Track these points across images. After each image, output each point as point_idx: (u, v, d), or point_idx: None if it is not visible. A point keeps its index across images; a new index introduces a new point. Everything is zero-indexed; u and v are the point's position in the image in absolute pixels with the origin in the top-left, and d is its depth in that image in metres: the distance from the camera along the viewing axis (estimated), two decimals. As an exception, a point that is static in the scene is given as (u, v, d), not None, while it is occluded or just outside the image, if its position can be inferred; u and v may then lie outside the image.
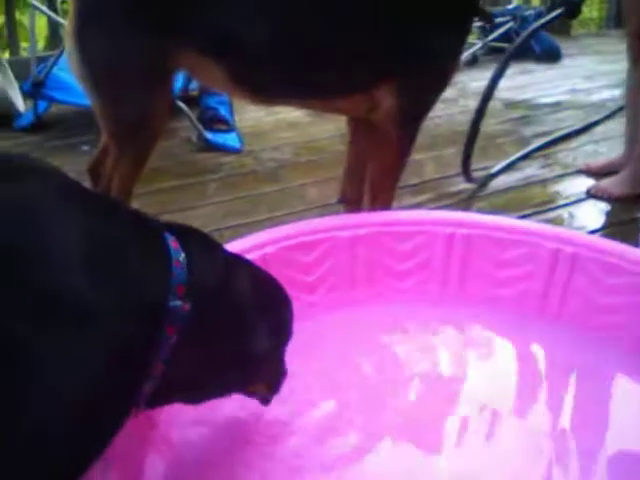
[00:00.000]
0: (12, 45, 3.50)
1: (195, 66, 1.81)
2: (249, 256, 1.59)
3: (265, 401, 1.35)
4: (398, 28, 1.72)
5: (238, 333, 1.12)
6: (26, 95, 3.29)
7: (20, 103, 3.35)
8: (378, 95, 1.79)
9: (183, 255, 1.04)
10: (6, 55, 3.67)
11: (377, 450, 1.37)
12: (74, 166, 2.11)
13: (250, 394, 1.30)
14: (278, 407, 1.38)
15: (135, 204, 2.43)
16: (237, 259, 1.21)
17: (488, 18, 2.45)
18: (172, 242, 1.04)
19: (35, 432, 0.84)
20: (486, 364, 1.64)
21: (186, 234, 1.10)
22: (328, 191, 2.45)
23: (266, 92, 1.83)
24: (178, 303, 0.99)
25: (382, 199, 1.92)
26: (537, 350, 1.68)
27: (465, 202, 2.54)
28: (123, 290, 0.93)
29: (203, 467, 1.33)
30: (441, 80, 1.85)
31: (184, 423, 1.37)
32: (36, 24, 3.22)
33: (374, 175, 1.92)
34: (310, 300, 1.72)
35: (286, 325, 1.28)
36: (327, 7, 1.71)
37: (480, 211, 2.37)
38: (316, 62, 1.74)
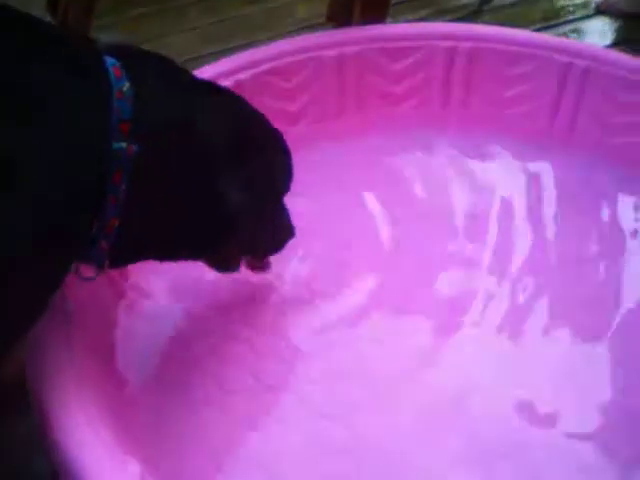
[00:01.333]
0: None
1: None
2: (221, 83, 1.41)
3: (256, 268, 1.19)
4: None
5: (202, 182, 0.94)
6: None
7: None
8: None
9: (127, 85, 0.84)
10: None
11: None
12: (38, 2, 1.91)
13: (228, 262, 1.13)
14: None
15: (105, 35, 2.22)
16: (210, 89, 1.01)
17: None
18: (114, 69, 0.85)
19: None
20: (498, 189, 1.49)
21: (135, 59, 0.90)
22: (318, 9, 2.19)
23: None
24: (122, 144, 0.82)
25: (374, 12, 1.68)
26: (547, 171, 1.52)
27: (468, 17, 2.31)
28: (48, 131, 0.76)
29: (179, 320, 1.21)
30: None
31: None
32: None
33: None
34: (293, 132, 1.52)
35: (280, 173, 1.09)
36: None
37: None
38: None
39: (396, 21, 2.17)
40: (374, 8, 1.67)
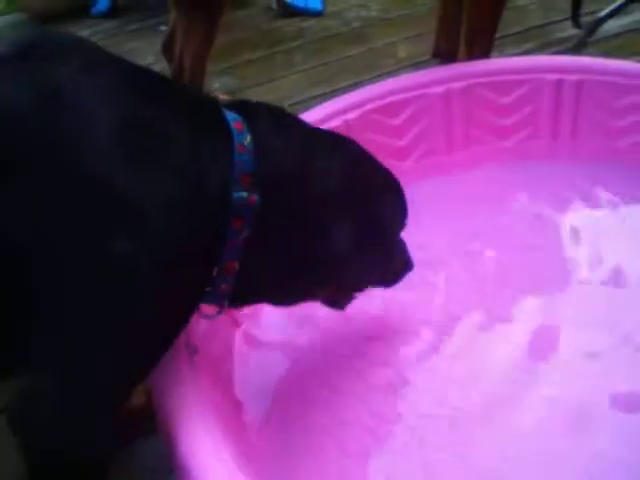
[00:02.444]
0: None
1: None
2: (330, 124, 1.46)
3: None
4: None
5: (319, 227, 0.97)
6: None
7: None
8: None
9: (249, 138, 0.90)
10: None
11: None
12: (154, 47, 2.02)
13: (341, 298, 1.16)
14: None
15: (217, 80, 2.33)
16: (322, 135, 1.05)
17: None
18: (235, 124, 0.90)
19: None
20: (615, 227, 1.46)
21: (254, 112, 0.95)
22: (421, 47, 2.23)
23: None
24: (244, 194, 0.87)
25: (480, 48, 1.70)
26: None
27: (573, 49, 2.28)
28: (174, 182, 0.81)
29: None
30: None
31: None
32: None
33: (470, 21, 1.69)
34: (401, 168, 1.55)
35: (394, 212, 1.11)
36: None
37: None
38: None
39: (501, 55, 2.19)
40: (479, 43, 1.69)
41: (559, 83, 1.56)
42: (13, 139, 0.74)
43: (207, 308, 0.97)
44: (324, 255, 0.99)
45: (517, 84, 1.57)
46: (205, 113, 0.91)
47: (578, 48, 2.28)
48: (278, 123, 0.98)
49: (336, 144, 1.04)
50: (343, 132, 1.46)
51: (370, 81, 2.14)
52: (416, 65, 2.20)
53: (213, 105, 0.93)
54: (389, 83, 1.59)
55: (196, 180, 0.84)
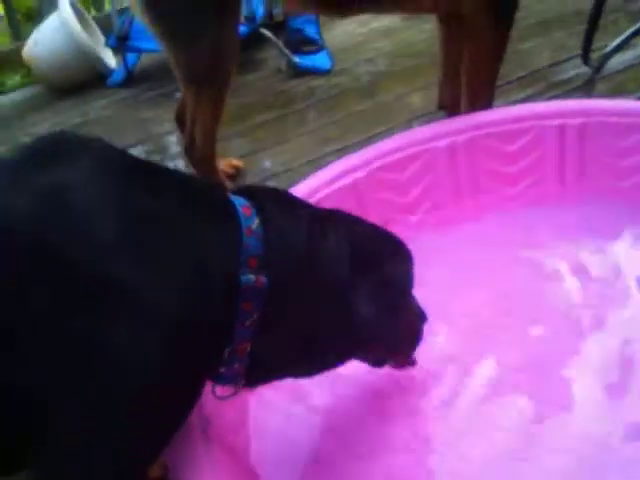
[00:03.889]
0: (96, 1, 3.46)
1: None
2: (337, 184, 1.49)
3: (405, 364, 1.22)
4: None
5: (330, 304, 0.99)
6: (113, 50, 3.25)
7: (110, 59, 3.32)
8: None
9: (257, 222, 0.93)
10: (92, 12, 3.64)
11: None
12: (170, 114, 2.07)
13: (377, 363, 1.19)
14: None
15: (230, 144, 2.38)
16: (329, 214, 1.07)
17: None
18: (243, 208, 0.94)
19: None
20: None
21: (261, 196, 0.99)
22: (430, 98, 2.25)
23: (336, 3, 1.68)
24: (251, 278, 0.90)
25: (481, 98, 1.73)
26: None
27: (583, 88, 2.29)
28: (181, 270, 0.85)
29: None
30: None
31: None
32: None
33: (469, 73, 1.73)
34: (411, 222, 1.58)
35: (404, 275, 1.13)
36: None
37: (596, 96, 2.12)
38: None
39: (507, 101, 2.21)
40: (480, 94, 1.72)
41: (561, 128, 1.58)
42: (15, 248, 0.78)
43: (222, 389, 0.99)
44: (336, 329, 1.01)
45: (520, 133, 1.59)
46: (212, 200, 0.94)
47: (588, 87, 2.29)
48: (284, 205, 1.00)
49: (340, 221, 1.06)
50: (351, 191, 1.52)
51: (381, 135, 2.18)
52: (425, 116, 2.22)
53: (220, 192, 0.97)
54: (393, 140, 1.62)
55: (202, 268, 0.86)
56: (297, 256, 0.95)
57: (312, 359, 1.03)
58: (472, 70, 1.73)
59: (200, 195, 0.94)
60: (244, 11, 2.57)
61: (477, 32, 1.68)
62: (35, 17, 3.50)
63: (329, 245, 1.00)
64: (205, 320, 0.87)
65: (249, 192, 0.99)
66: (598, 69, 2.36)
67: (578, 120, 1.58)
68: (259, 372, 0.98)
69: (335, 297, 0.99)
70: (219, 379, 0.96)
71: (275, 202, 0.99)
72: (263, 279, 0.91)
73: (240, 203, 0.94)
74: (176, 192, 0.90)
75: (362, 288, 1.02)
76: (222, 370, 0.94)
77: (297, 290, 0.96)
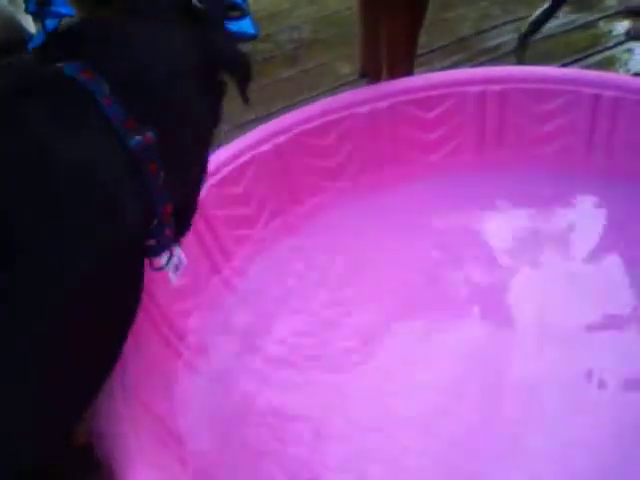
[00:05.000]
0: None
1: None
2: (259, 149, 1.49)
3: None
4: None
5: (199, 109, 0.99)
6: (33, 15, 3.15)
7: (31, 26, 3.21)
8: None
9: (107, 87, 0.84)
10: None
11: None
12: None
13: None
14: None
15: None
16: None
17: None
18: (84, 74, 0.84)
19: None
20: (543, 229, 1.52)
21: (96, 48, 0.89)
22: (355, 67, 2.26)
23: None
24: (138, 138, 0.84)
25: (401, 67, 1.73)
26: (590, 207, 1.54)
27: (505, 56, 2.33)
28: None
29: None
30: None
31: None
32: None
33: (388, 43, 1.73)
34: (334, 187, 1.60)
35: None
36: None
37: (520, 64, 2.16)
38: None
39: (431, 68, 2.23)
40: (400, 63, 1.72)
41: (482, 94, 1.61)
42: None
43: (157, 260, 0.97)
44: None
45: (439, 99, 1.61)
46: (50, 88, 0.84)
47: (518, 55, 2.28)
48: (113, 42, 0.92)
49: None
50: (274, 155, 1.52)
51: (304, 102, 2.17)
52: (350, 84, 2.19)
53: (51, 71, 0.86)
54: (316, 106, 1.62)
55: (89, 167, 0.80)
56: (157, 88, 0.91)
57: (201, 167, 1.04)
58: (390, 38, 1.73)
59: (38, 87, 0.84)
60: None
61: (394, 3, 1.68)
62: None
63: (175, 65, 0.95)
64: (115, 195, 0.82)
65: (75, 37, 0.91)
66: (525, 36, 2.39)
67: (498, 86, 1.61)
68: (182, 221, 0.97)
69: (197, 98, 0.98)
70: (153, 253, 0.93)
71: (104, 42, 0.91)
72: (149, 133, 0.86)
73: (77, 69, 0.85)
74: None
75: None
76: (153, 243, 0.91)
77: (174, 122, 0.93)
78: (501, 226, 1.53)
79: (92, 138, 0.82)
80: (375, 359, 1.29)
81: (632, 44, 2.34)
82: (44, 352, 0.73)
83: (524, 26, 2.36)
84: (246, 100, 1.17)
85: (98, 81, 0.85)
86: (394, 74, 1.70)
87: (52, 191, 0.76)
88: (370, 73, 1.92)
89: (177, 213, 0.93)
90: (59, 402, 0.79)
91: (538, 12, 2.50)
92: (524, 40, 2.29)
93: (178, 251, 1.25)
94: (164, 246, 0.93)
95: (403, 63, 1.72)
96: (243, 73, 1.14)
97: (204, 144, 1.04)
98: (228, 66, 1.09)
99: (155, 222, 0.89)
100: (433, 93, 1.61)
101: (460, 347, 1.28)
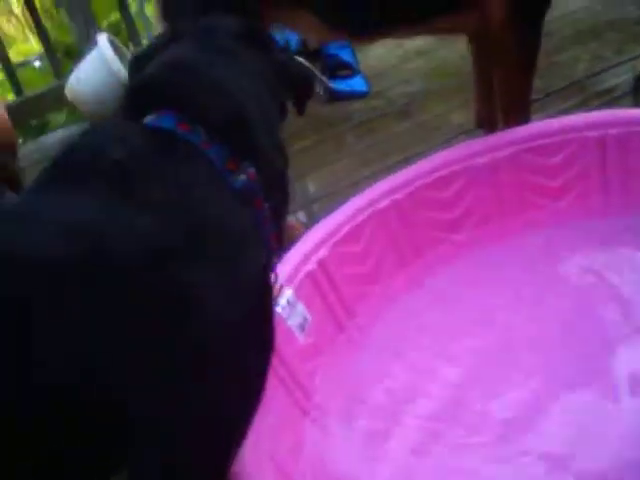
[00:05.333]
0: (133, 36, 3.51)
1: (289, 19, 1.71)
2: (379, 205, 1.50)
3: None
4: None
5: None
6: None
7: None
8: (486, 5, 1.59)
9: (202, 134, 0.87)
10: (130, 47, 3.69)
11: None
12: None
13: None
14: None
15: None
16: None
17: None
18: (181, 126, 0.88)
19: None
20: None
21: (173, 84, 0.94)
22: (469, 116, 2.24)
23: (363, 30, 1.69)
24: (242, 177, 0.88)
25: (516, 115, 1.72)
26: None
27: (619, 99, 2.27)
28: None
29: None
30: None
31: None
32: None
33: (502, 91, 1.73)
34: (455, 238, 1.58)
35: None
36: None
37: (637, 106, 2.10)
38: None
39: (547, 114, 2.19)
40: (515, 110, 1.71)
41: (602, 139, 1.57)
42: None
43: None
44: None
45: (560, 145, 1.58)
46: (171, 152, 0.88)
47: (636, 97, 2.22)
48: (196, 84, 0.95)
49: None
50: (393, 211, 1.53)
51: (420, 155, 2.18)
52: (466, 134, 2.20)
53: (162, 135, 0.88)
54: (433, 159, 1.62)
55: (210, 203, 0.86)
56: (249, 124, 0.94)
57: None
58: (504, 87, 1.73)
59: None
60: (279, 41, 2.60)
61: (505, 50, 1.67)
62: (74, 54, 3.58)
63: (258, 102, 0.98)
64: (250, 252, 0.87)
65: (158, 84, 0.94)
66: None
67: (617, 130, 1.56)
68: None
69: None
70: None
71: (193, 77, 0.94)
72: (250, 169, 0.89)
73: (172, 122, 0.88)
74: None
75: None
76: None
77: (266, 152, 0.96)
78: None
79: (209, 191, 0.86)
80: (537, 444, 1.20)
81: None
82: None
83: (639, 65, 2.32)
84: (301, 112, 1.24)
85: (196, 130, 0.88)
86: (510, 122, 1.69)
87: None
88: (486, 123, 1.92)
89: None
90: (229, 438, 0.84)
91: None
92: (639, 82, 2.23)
93: (303, 309, 1.28)
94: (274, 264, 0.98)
95: (519, 111, 1.71)
96: (306, 87, 1.22)
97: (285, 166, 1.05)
98: (295, 81, 1.13)
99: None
100: (553, 140, 1.58)
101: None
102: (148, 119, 0.90)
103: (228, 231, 0.85)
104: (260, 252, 0.89)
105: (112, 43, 3.12)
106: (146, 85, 0.95)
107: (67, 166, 0.84)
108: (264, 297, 0.89)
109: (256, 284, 0.87)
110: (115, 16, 3.74)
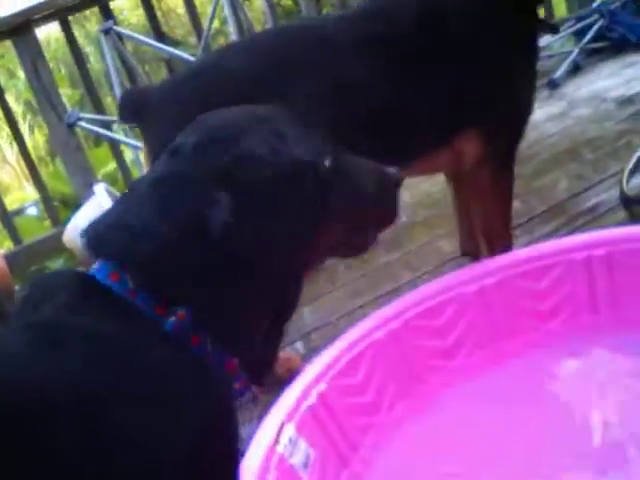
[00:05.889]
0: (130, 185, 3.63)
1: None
2: (374, 336, 1.53)
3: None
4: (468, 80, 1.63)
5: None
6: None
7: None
8: (460, 146, 1.70)
9: (129, 283, 0.93)
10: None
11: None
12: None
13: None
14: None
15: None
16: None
17: (553, 30, 2.29)
18: (111, 276, 0.93)
19: None
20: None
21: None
22: (456, 244, 2.30)
23: None
24: (172, 319, 0.91)
25: (498, 243, 1.80)
26: None
27: (602, 216, 2.33)
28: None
29: None
30: (524, 108, 1.73)
31: None
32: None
33: (483, 222, 1.81)
34: (450, 366, 1.61)
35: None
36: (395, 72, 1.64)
37: (621, 224, 2.16)
38: (389, 130, 1.64)
39: (532, 237, 2.26)
40: (496, 238, 1.78)
41: (587, 260, 1.62)
42: None
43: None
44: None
45: (547, 268, 1.63)
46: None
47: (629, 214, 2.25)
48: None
49: None
50: (389, 340, 1.55)
51: (411, 283, 2.23)
52: (454, 261, 2.26)
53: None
54: (424, 289, 1.66)
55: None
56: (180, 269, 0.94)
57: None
58: (483, 219, 1.82)
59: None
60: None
61: (480, 185, 1.77)
62: (71, 203, 3.68)
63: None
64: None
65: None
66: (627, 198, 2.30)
67: (603, 250, 1.62)
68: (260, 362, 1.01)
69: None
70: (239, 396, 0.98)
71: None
72: (179, 310, 0.91)
73: (105, 273, 0.94)
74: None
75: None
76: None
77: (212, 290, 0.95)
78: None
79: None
80: None
81: None
82: None
83: (623, 177, 2.35)
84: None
85: (122, 280, 0.93)
86: (494, 249, 1.75)
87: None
88: (470, 251, 1.98)
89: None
90: None
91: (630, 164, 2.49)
92: (627, 200, 2.26)
93: (305, 446, 1.28)
94: (244, 388, 0.99)
95: (500, 237, 1.78)
96: None
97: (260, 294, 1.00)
98: None
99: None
100: (538, 264, 1.63)
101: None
102: (92, 269, 0.97)
103: (154, 372, 0.88)
104: (200, 388, 0.91)
105: (109, 192, 3.22)
106: (90, 238, 1.00)
107: (15, 316, 0.93)
108: (216, 429, 0.91)
109: (197, 419, 0.88)
110: (111, 165, 3.86)
